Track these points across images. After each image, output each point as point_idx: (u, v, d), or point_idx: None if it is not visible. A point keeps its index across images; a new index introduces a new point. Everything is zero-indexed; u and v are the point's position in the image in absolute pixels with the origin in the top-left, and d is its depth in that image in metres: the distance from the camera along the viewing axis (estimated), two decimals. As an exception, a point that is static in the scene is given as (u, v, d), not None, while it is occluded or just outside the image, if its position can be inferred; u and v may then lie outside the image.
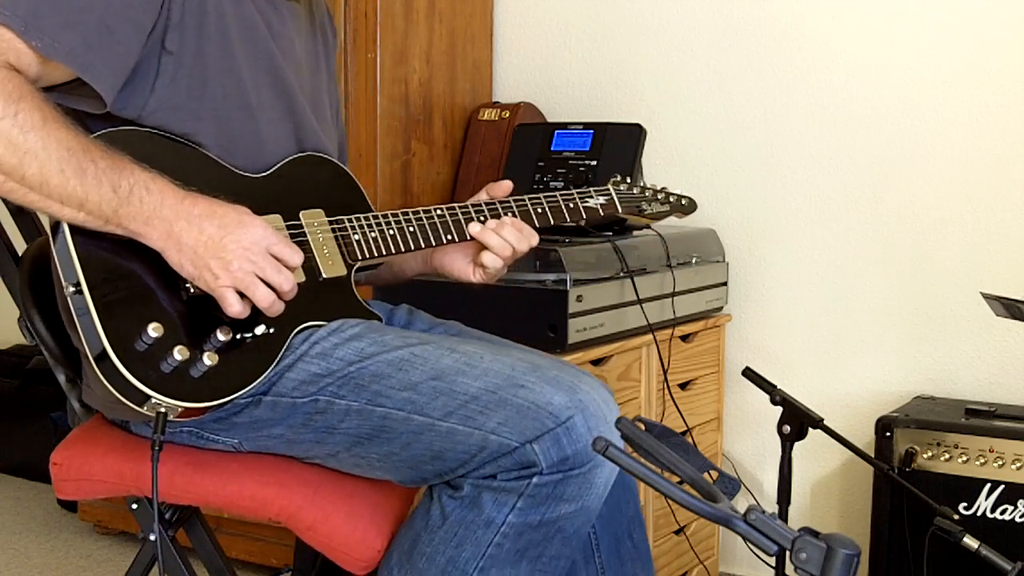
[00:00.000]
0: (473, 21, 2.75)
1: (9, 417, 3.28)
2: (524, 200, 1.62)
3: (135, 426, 1.52)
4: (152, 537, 1.50)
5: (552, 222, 1.63)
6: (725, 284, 2.56)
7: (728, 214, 2.64)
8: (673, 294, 2.32)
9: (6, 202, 1.49)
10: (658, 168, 2.66)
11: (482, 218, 1.58)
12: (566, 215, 1.65)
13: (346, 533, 1.43)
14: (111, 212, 1.29)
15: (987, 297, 1.73)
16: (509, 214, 1.59)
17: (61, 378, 1.58)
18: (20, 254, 1.59)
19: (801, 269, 2.58)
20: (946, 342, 2.44)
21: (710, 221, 2.64)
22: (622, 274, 2.18)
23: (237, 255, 1.32)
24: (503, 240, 1.57)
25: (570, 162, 2.33)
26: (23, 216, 1.65)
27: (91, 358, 1.30)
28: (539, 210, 1.62)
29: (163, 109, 1.41)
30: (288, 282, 1.36)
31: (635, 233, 2.30)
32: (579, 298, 2.04)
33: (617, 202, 1.71)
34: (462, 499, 1.37)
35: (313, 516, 1.43)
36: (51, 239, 1.34)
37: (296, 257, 1.37)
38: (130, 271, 1.34)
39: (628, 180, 1.75)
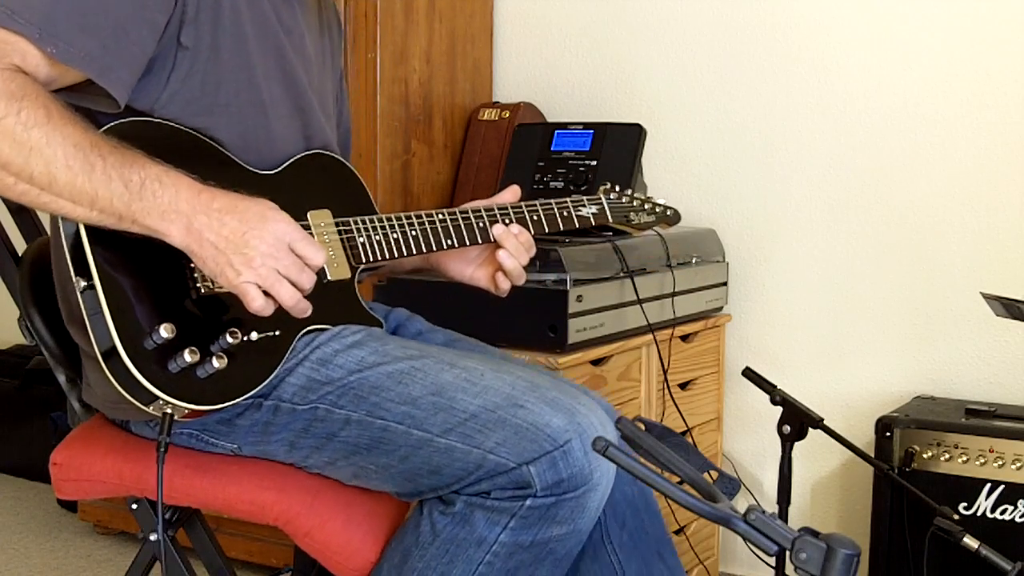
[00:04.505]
0: (473, 21, 2.75)
1: (9, 417, 3.28)
2: (521, 207, 1.63)
3: (135, 426, 1.52)
4: (153, 538, 1.50)
5: (547, 230, 1.64)
6: (725, 284, 2.56)
7: (728, 214, 2.64)
8: (673, 294, 2.32)
9: (6, 202, 1.49)
10: (658, 168, 2.67)
11: (507, 220, 1.59)
12: (560, 223, 1.66)
13: (341, 542, 1.43)
14: (124, 208, 1.25)
15: (987, 297, 1.73)
16: (506, 220, 1.60)
17: (61, 378, 1.58)
18: (20, 254, 1.60)
19: (801, 269, 2.58)
20: (946, 342, 2.44)
21: (710, 221, 2.64)
22: (622, 274, 2.18)
23: (260, 252, 1.29)
24: (519, 245, 1.59)
25: (570, 162, 2.33)
26: (23, 216, 1.65)
27: (99, 356, 1.29)
28: (535, 217, 1.64)
29: (177, 103, 1.39)
30: (310, 281, 1.33)
31: (635, 233, 2.30)
32: (579, 298, 2.04)
33: (608, 212, 1.73)
34: (453, 515, 1.37)
35: (311, 523, 1.43)
36: (61, 235, 1.31)
37: (319, 256, 1.33)
38: (142, 269, 1.32)
39: (617, 188, 1.76)
